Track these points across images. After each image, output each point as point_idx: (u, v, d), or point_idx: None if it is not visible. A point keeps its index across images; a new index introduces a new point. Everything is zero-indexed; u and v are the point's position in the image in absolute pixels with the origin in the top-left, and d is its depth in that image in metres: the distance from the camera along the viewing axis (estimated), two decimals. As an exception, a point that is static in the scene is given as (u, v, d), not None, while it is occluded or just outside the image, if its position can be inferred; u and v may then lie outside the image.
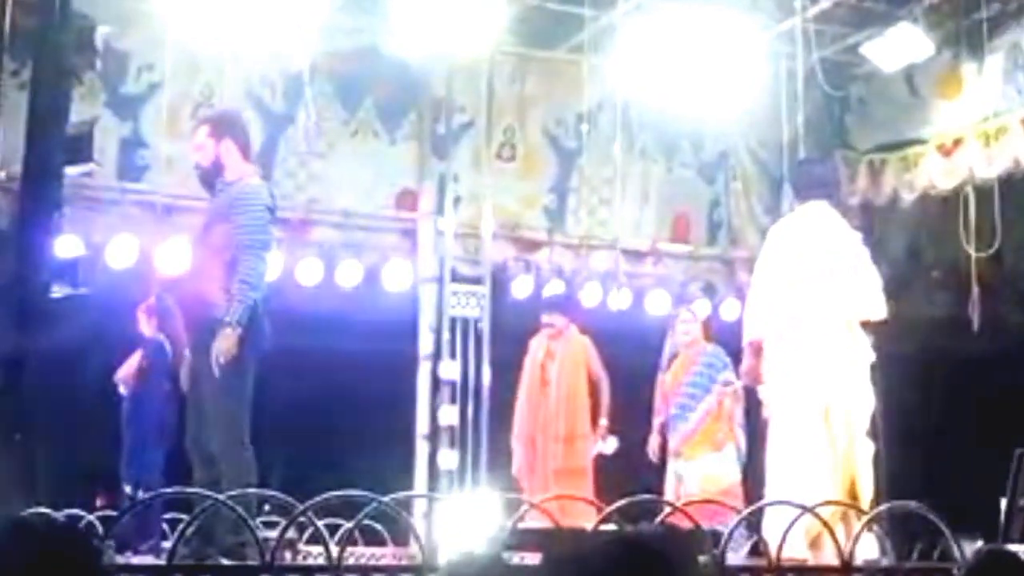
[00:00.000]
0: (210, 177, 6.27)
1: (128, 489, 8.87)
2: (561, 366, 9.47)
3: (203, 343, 6.01)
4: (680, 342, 9.04)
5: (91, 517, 7.43)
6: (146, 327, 9.24)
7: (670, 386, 9.08)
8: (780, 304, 6.87)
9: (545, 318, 9.64)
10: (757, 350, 6.98)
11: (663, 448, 9.15)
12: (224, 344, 5.80)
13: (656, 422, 9.06)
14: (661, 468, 9.15)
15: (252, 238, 6.02)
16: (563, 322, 9.61)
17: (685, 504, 6.55)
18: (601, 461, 9.35)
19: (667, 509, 6.25)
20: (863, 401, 6.84)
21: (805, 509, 5.95)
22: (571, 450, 9.29)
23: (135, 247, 9.31)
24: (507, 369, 9.88)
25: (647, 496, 5.83)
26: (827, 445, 6.67)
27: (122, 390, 9.26)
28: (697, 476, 8.72)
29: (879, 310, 7.03)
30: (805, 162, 9.10)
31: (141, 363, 9.21)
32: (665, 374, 9.17)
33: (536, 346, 9.64)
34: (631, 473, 9.30)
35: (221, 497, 5.31)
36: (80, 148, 6.23)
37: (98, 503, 8.57)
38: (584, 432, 9.37)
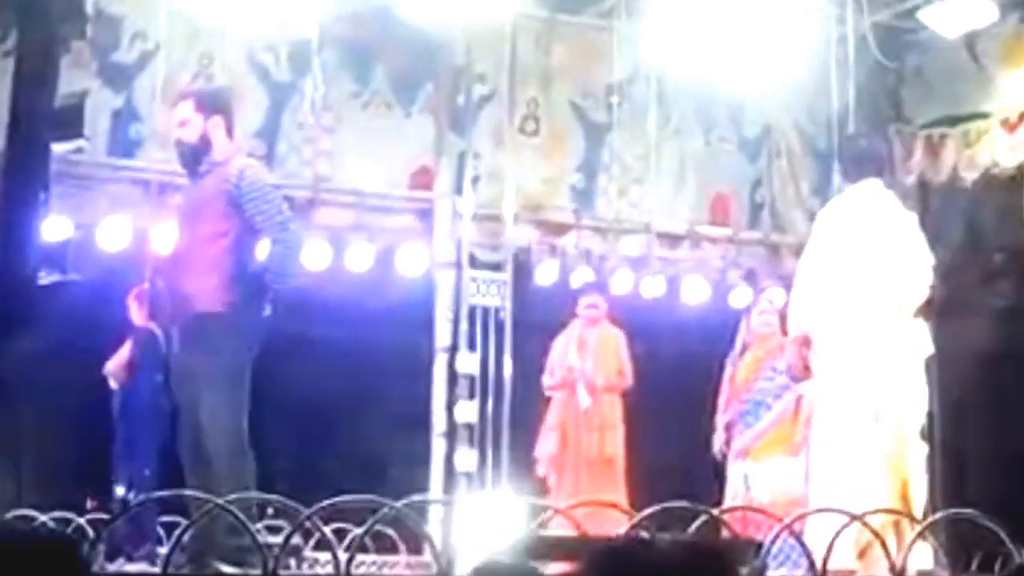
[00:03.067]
0: (194, 155, 6.24)
1: (120, 490, 8.90)
2: (595, 356, 9.64)
3: (191, 338, 5.99)
4: (760, 334, 8.91)
5: (81, 521, 7.47)
6: (137, 315, 9.22)
7: (742, 381, 8.90)
8: (828, 294, 6.85)
9: (585, 300, 9.82)
10: (804, 343, 6.97)
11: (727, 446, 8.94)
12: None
13: (721, 420, 8.89)
14: (712, 472, 8.94)
15: (278, 221, 6.00)
16: (605, 306, 9.83)
17: (723, 511, 6.53)
18: (644, 463, 9.38)
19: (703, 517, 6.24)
20: (916, 399, 6.81)
21: (853, 517, 5.94)
22: (604, 440, 9.50)
23: (128, 228, 9.34)
24: (530, 362, 9.90)
25: (680, 503, 5.81)
26: (877, 446, 6.65)
27: (112, 384, 9.27)
28: (769, 484, 8.47)
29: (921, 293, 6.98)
30: (852, 137, 9.04)
31: (132, 354, 9.22)
32: (736, 368, 8.99)
33: (566, 339, 9.77)
34: (670, 474, 9.29)
35: (220, 501, 5.32)
36: (69, 122, 6.25)
37: (88, 505, 8.61)
38: (615, 422, 9.59)
